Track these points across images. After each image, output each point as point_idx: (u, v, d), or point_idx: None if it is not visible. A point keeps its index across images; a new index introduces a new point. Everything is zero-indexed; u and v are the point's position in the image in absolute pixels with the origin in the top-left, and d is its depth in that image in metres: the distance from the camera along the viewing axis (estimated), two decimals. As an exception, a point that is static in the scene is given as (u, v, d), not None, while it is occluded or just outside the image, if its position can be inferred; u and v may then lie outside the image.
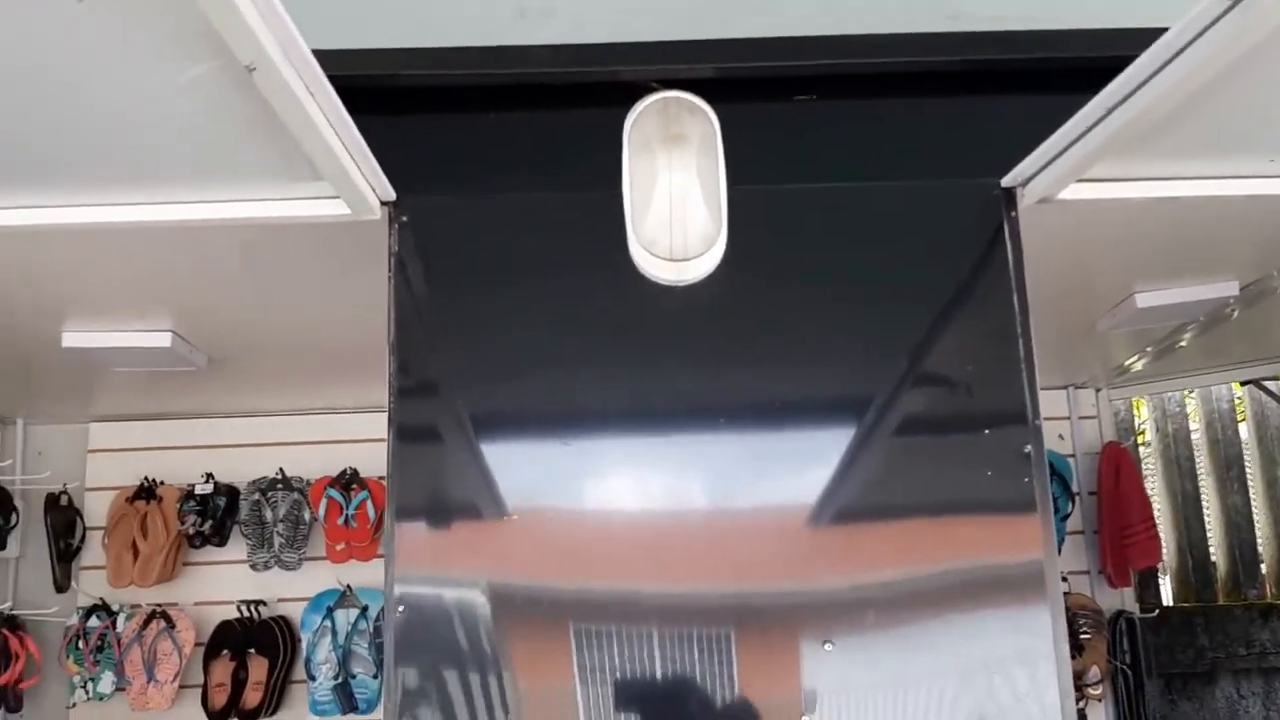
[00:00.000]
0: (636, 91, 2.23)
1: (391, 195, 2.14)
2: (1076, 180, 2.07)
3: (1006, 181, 2.18)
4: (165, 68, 1.53)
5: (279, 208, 2.09)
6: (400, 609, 2.03)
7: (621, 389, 2.18)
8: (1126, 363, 4.51)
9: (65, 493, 4.51)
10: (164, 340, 3.26)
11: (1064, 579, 4.50)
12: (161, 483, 4.52)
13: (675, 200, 2.15)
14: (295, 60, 1.51)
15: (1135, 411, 6.50)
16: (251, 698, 4.32)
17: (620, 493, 2.12)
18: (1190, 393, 6.37)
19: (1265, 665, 5.69)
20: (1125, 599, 4.71)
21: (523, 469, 2.16)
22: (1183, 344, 4.33)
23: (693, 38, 2.27)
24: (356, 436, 4.61)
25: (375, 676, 4.37)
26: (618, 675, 2.02)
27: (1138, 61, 1.64)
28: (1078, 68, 2.11)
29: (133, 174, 1.98)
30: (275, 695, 4.38)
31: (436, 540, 2.08)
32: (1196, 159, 2.06)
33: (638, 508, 2.11)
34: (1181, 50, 1.56)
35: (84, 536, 4.52)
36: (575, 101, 2.27)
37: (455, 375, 2.17)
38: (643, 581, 2.07)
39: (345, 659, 4.35)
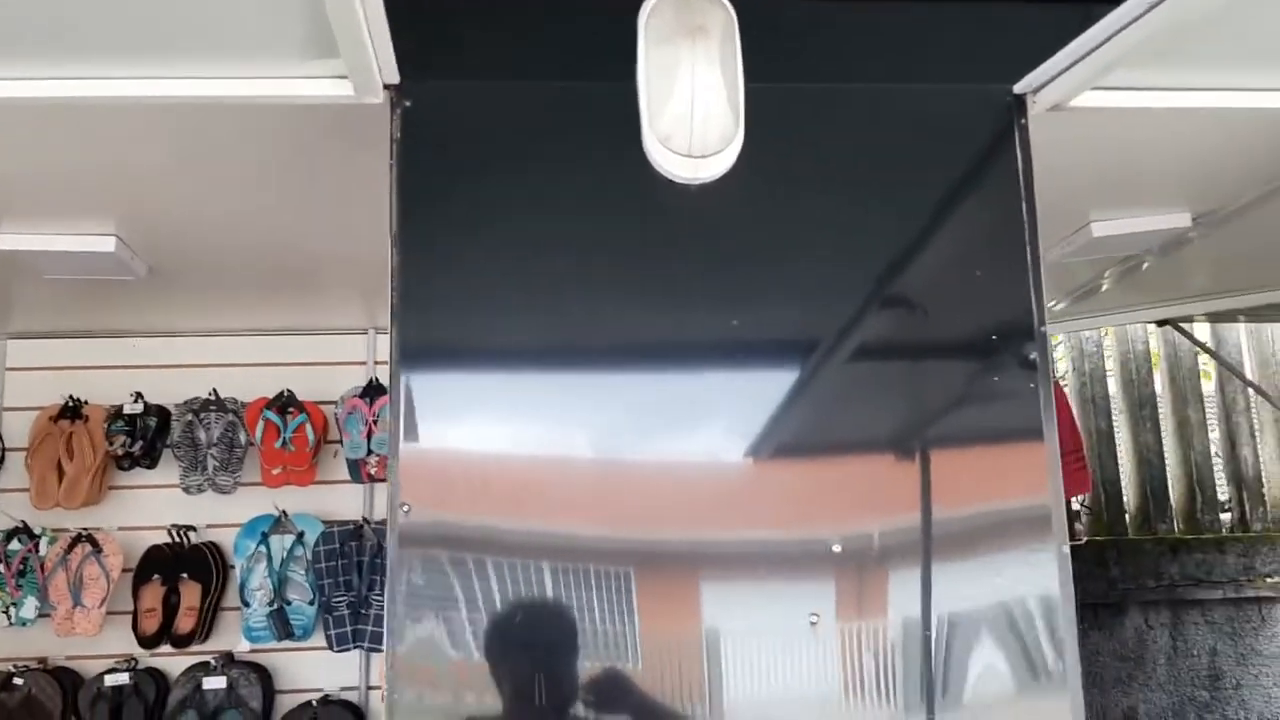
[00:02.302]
0: (646, -17, 2.15)
1: (395, 78, 2.03)
2: (1091, 89, 2.07)
3: (1019, 88, 2.18)
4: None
5: (274, 86, 1.97)
6: (405, 508, 1.96)
7: (621, 302, 2.13)
8: (1058, 301, 4.61)
9: (-18, 413, 4.29)
10: (107, 245, 3.09)
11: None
12: (87, 402, 4.32)
13: (697, 94, 2.08)
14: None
15: (1053, 350, 6.68)
16: (184, 623, 4.19)
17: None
18: (1107, 332, 6.56)
19: (1173, 598, 5.94)
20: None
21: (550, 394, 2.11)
22: (1104, 286, 4.46)
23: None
24: (295, 359, 4.47)
25: (311, 603, 4.27)
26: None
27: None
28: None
29: (104, 41, 1.84)
30: (208, 621, 4.26)
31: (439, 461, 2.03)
32: (1211, 70, 2.08)
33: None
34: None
35: (3, 457, 4.31)
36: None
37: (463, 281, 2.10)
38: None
39: (280, 586, 4.24)
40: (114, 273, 3.32)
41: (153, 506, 4.36)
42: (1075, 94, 2.10)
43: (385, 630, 1.96)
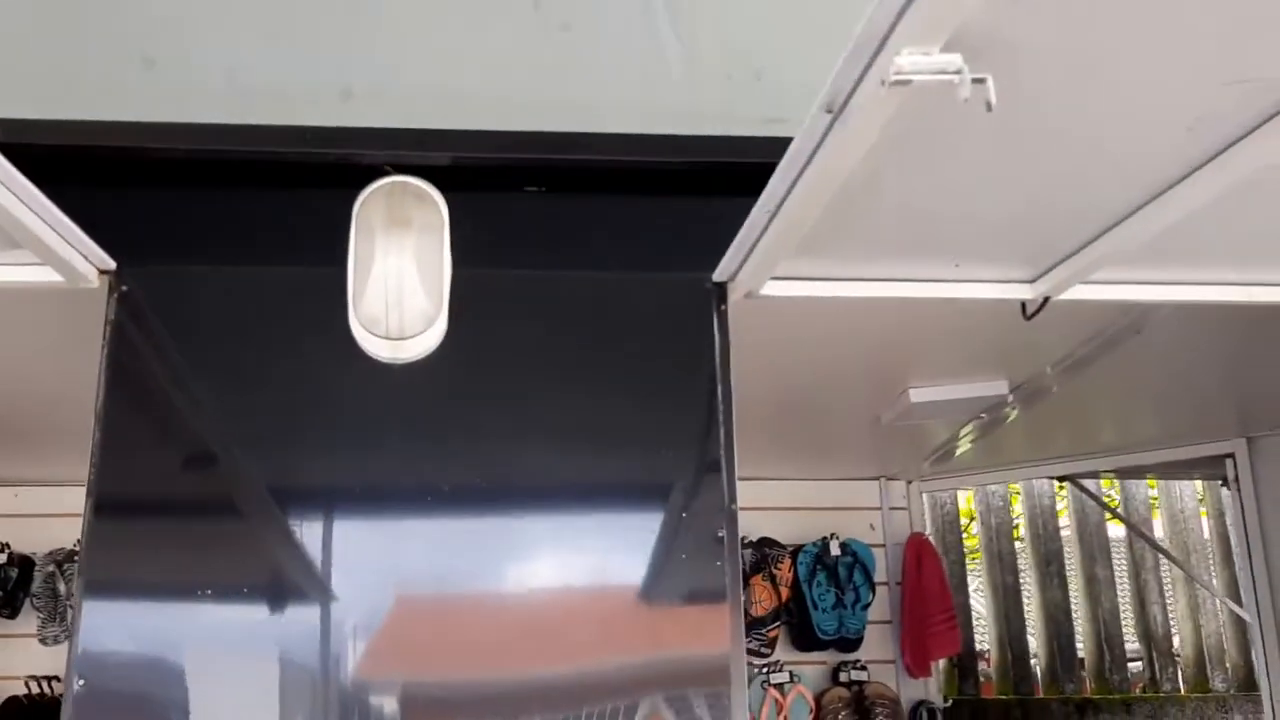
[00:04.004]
0: (374, 175, 2.30)
1: (110, 265, 2.16)
2: (772, 278, 2.18)
3: (716, 277, 2.29)
4: None
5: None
6: (80, 681, 2.01)
7: (335, 466, 2.22)
8: (927, 456, 4.67)
9: None
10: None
11: (863, 667, 4.58)
12: (-45, 551, 4.38)
13: (392, 281, 2.21)
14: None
15: (962, 505, 6.69)
16: (35, 777, 4.16)
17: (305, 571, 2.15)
18: (1015, 486, 6.58)
19: (1079, 759, 5.82)
20: (929, 689, 4.80)
21: (244, 541, 2.19)
22: (960, 448, 4.52)
23: (432, 127, 2.36)
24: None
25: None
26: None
27: (780, 165, 1.76)
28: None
29: None
30: (59, 776, 4.21)
31: (127, 616, 2.08)
32: (884, 260, 2.20)
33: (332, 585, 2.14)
34: (808, 162, 1.68)
35: None
36: (311, 181, 2.34)
37: (168, 449, 2.19)
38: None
39: (137, 739, 4.21)
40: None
41: (12, 657, 4.36)
42: (760, 283, 2.20)
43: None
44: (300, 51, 2.58)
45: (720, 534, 2.19)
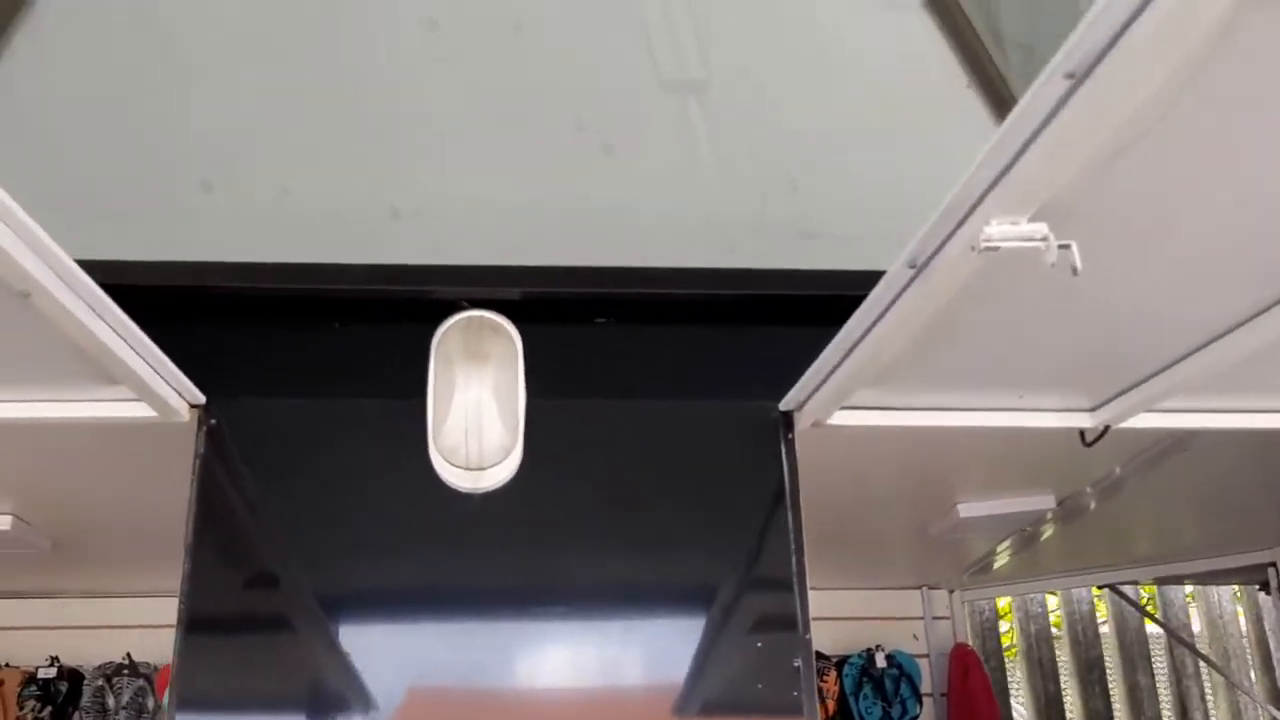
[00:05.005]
0: (450, 309, 2.39)
1: (200, 399, 2.24)
2: (840, 408, 2.24)
3: (783, 406, 2.36)
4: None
5: (88, 409, 2.18)
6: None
7: (419, 583, 2.28)
8: (968, 566, 4.67)
9: (-95, 674, 4.38)
10: (4, 524, 3.27)
11: (914, 783, 4.53)
12: (6, 664, 4.41)
13: (471, 413, 2.28)
14: (72, 283, 1.63)
15: (1002, 613, 6.64)
16: None
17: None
18: (1055, 594, 6.54)
19: None
20: (977, 802, 4.73)
21: (336, 659, 2.24)
22: (999, 560, 4.53)
23: (504, 263, 2.45)
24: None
25: None
26: None
27: (859, 309, 1.83)
28: (853, 304, 2.31)
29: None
30: None
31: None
32: (950, 392, 2.26)
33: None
34: (886, 309, 1.75)
35: (-84, 721, 4.37)
36: (390, 316, 2.43)
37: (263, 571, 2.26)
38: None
39: None
40: (17, 546, 3.49)
41: (60, 772, 4.36)
42: (829, 413, 2.27)
43: None
44: (349, 177, 2.72)
45: (796, 664, 2.22)
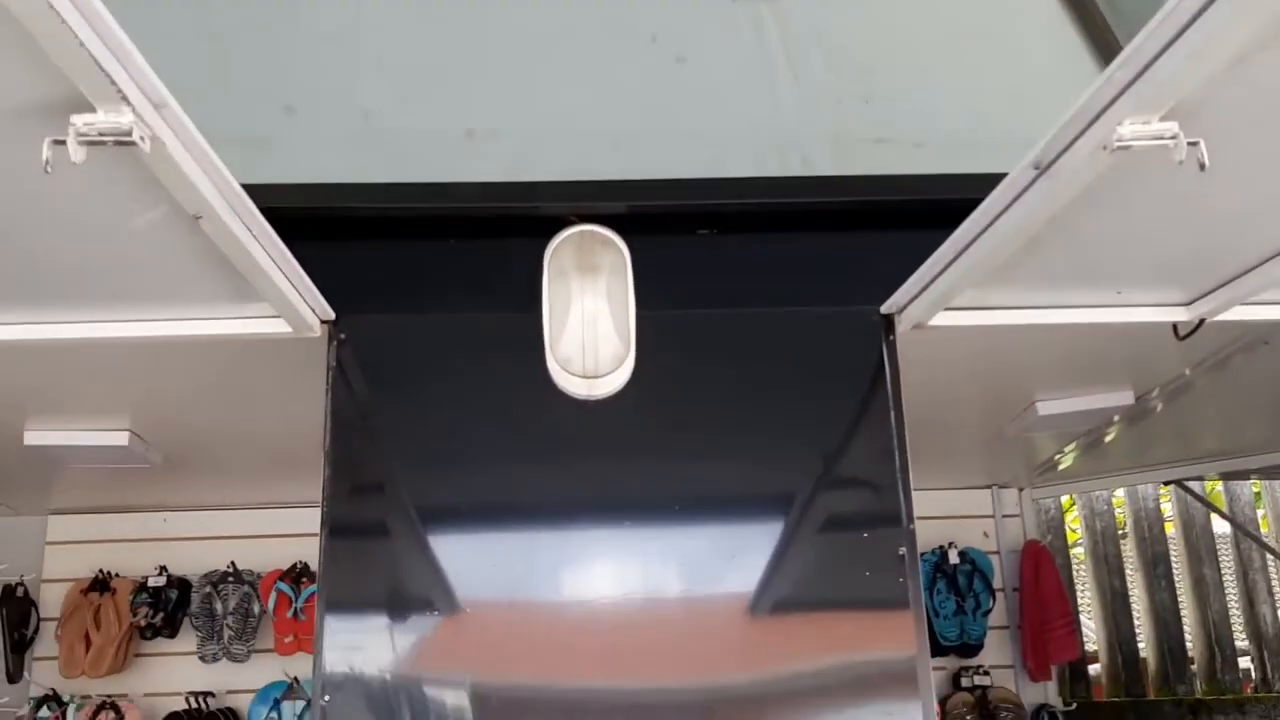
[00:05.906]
0: (557, 224, 2.48)
1: (331, 315, 2.36)
2: (944, 309, 2.32)
3: (884, 309, 2.44)
4: (121, 214, 1.76)
5: (229, 325, 2.31)
6: (325, 697, 2.20)
7: (537, 490, 2.40)
8: (1037, 466, 4.76)
9: (22, 584, 4.63)
10: (121, 439, 3.44)
11: (986, 672, 4.68)
12: (116, 575, 4.65)
13: (587, 323, 2.38)
14: (238, 209, 1.74)
15: (1066, 511, 6.73)
16: (197, 787, 4.41)
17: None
18: (1117, 491, 6.61)
19: (1192, 760, 5.85)
20: (1048, 693, 4.88)
21: (464, 563, 2.38)
22: (1064, 461, 4.60)
23: (609, 178, 2.53)
24: (307, 530, 4.75)
25: (320, 768, 4.46)
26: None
27: (976, 211, 1.90)
28: (951, 208, 2.37)
29: (100, 297, 2.20)
30: (222, 785, 4.47)
31: (366, 633, 2.27)
32: (1048, 290, 2.32)
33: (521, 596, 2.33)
34: (1004, 210, 1.82)
35: (38, 628, 4.63)
36: (502, 232, 2.52)
37: (392, 478, 2.39)
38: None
39: (292, 750, 4.46)
40: (131, 461, 3.67)
41: (175, 672, 4.63)
42: (931, 315, 2.35)
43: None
44: (430, 99, 2.79)
45: (901, 551, 2.33)
